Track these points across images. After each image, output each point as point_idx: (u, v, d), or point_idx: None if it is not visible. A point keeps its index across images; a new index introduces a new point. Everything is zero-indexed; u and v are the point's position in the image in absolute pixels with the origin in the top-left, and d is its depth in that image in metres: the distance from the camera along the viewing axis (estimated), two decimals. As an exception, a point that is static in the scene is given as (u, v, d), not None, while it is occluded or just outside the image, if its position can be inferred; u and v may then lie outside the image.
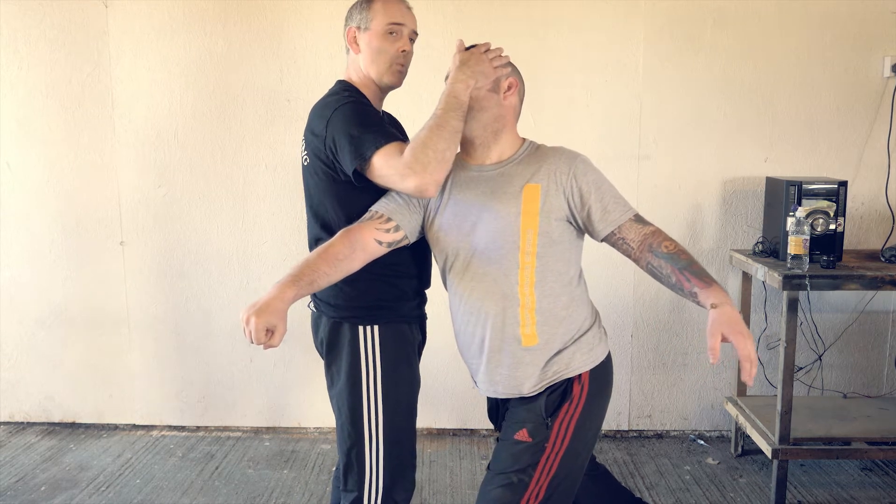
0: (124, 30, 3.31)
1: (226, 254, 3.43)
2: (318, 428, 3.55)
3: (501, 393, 1.87)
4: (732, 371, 3.37)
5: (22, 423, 3.61)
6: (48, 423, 3.60)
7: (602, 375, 1.87)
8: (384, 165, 1.78)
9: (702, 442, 3.44)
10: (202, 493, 2.97)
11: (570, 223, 1.82)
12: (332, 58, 3.27)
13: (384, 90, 2.01)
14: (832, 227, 2.92)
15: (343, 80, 2.01)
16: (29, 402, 3.60)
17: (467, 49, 1.87)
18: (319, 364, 3.45)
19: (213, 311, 3.47)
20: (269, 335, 1.69)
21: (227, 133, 3.36)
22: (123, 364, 3.53)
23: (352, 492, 1.95)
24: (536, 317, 1.80)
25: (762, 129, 3.30)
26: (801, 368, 3.33)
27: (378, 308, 1.94)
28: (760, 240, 3.15)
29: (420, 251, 1.98)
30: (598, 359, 1.85)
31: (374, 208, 1.86)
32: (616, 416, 3.48)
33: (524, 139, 1.93)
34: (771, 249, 3.06)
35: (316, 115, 1.92)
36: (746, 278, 3.24)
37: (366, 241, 1.81)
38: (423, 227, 1.91)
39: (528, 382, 1.82)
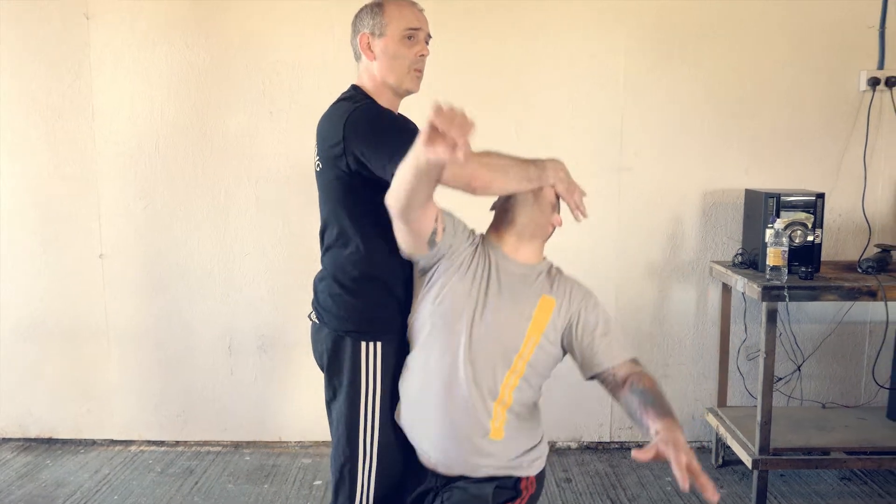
0: (105, 41, 3.30)
1: (207, 266, 3.41)
2: (299, 442, 3.53)
3: (452, 468, 1.85)
4: (713, 382, 3.39)
5: (-2, 438, 3.56)
6: (24, 439, 3.54)
7: (541, 482, 1.93)
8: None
9: (683, 453, 3.45)
10: (181, 508, 2.94)
11: (562, 347, 1.87)
12: (315, 69, 3.27)
13: (401, 95, 1.96)
14: (810, 238, 2.96)
15: (356, 86, 1.95)
16: (5, 418, 3.54)
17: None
18: (300, 377, 3.45)
19: (193, 324, 3.44)
20: None
21: (208, 145, 3.34)
22: (102, 378, 3.49)
23: None
24: (507, 416, 1.82)
25: (742, 142, 3.33)
26: (780, 379, 3.35)
27: (381, 322, 1.89)
28: (740, 251, 3.17)
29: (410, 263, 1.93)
30: (542, 465, 1.92)
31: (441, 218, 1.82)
32: (598, 428, 3.49)
33: (545, 257, 1.97)
34: (750, 261, 3.09)
35: (331, 121, 1.86)
36: (726, 290, 3.27)
37: (429, 220, 1.77)
38: (429, 263, 1.86)
39: (482, 470, 1.83)
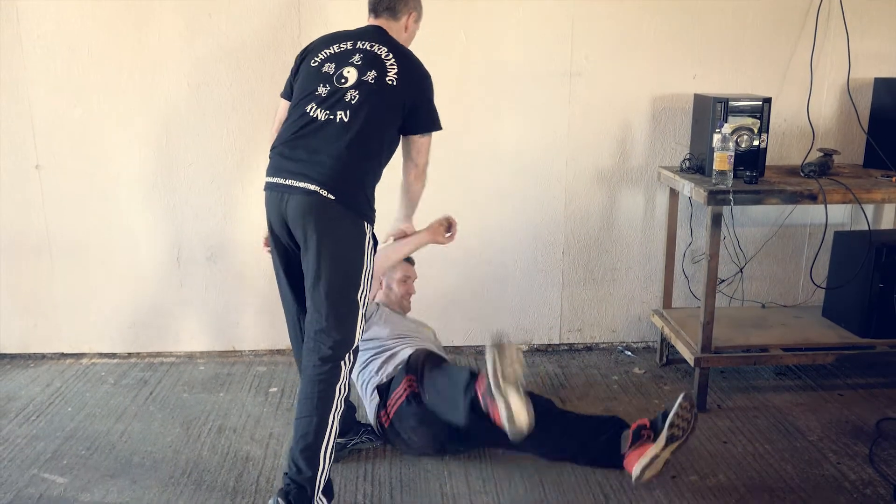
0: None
1: (150, 176, 3.31)
2: (252, 350, 3.54)
3: None
4: (659, 285, 3.49)
5: (-58, 354, 3.50)
6: (-30, 354, 3.49)
7: None
8: (428, 148, 2.45)
9: (629, 353, 3.58)
10: (137, 418, 2.96)
11: None
12: None
13: None
14: (756, 143, 2.99)
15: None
16: (-52, 334, 3.47)
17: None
18: (252, 287, 3.43)
19: (139, 236, 3.37)
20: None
21: (145, 50, 3.19)
22: (47, 292, 3.42)
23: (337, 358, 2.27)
24: None
25: (691, 46, 3.32)
26: (723, 281, 3.46)
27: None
28: (688, 156, 3.21)
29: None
30: None
31: None
32: (548, 331, 3.58)
33: None
34: (697, 166, 3.13)
35: (421, 72, 2.42)
36: (674, 194, 3.32)
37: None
38: None
39: None
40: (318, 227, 2.20)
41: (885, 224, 3.55)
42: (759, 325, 3.25)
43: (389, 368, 2.68)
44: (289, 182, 2.23)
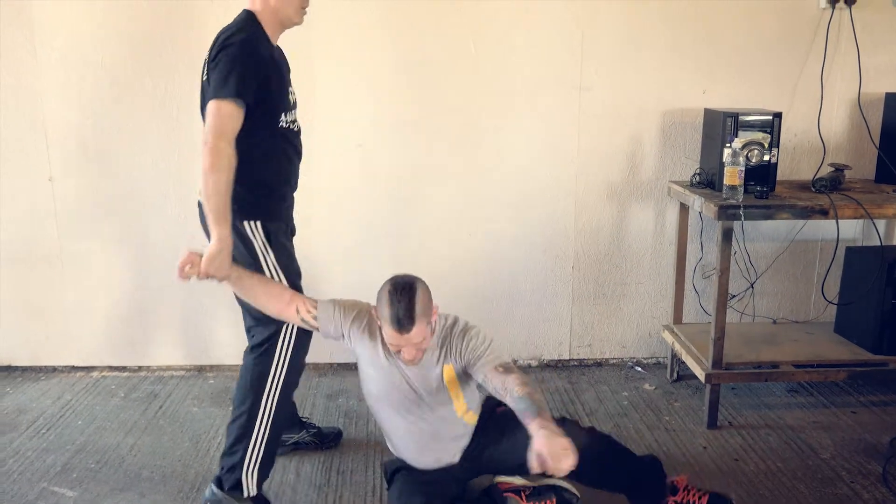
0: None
1: (162, 188, 3.33)
2: (262, 364, 3.54)
3: None
4: (670, 300, 3.47)
5: (-46, 367, 3.52)
6: (-18, 367, 3.51)
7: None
8: (217, 114, 2.10)
9: (639, 369, 3.56)
10: (147, 432, 2.96)
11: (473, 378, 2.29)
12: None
13: (286, 27, 2.31)
14: (766, 158, 2.98)
15: (248, 11, 2.24)
16: (-40, 346, 3.49)
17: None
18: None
19: (149, 248, 3.38)
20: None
21: (157, 60, 3.21)
22: (58, 304, 3.44)
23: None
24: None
25: (701, 61, 3.31)
26: (734, 296, 3.44)
27: None
28: (698, 171, 3.20)
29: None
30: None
31: (316, 302, 2.32)
32: (557, 346, 3.57)
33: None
34: (708, 181, 3.12)
35: (216, 41, 2.18)
36: (684, 209, 3.31)
37: (290, 312, 2.30)
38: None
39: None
40: (206, 234, 2.23)
41: (898, 239, 3.53)
42: (771, 342, 3.22)
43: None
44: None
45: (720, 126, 3.00)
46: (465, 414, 2.35)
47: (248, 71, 2.12)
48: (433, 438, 2.33)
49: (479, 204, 3.38)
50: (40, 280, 3.41)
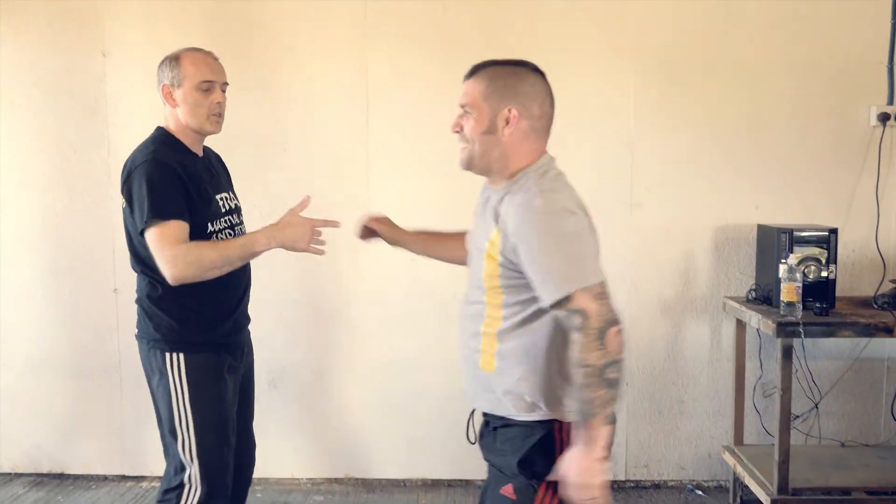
0: (121, 76, 3.35)
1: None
2: (310, 479, 3.49)
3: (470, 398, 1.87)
4: (730, 419, 3.35)
5: (9, 473, 3.55)
6: (36, 474, 3.53)
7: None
8: (158, 240, 2.05)
9: (699, 492, 3.40)
10: (191, 546, 2.91)
11: (518, 271, 1.70)
12: (326, 103, 3.33)
13: (203, 135, 2.27)
14: (824, 274, 2.94)
15: (161, 128, 2.25)
16: (17, 453, 3.54)
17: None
18: (312, 413, 3.43)
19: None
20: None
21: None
22: (114, 414, 3.48)
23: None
24: (494, 345, 1.74)
25: (753, 177, 3.33)
26: (797, 416, 3.31)
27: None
28: (753, 287, 3.16)
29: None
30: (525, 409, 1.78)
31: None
32: (612, 466, 3.44)
33: (540, 157, 1.83)
34: (764, 297, 3.07)
35: (125, 167, 2.16)
36: (740, 325, 3.25)
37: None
38: None
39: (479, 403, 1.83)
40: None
41: (970, 359, 3.38)
42: (840, 466, 3.06)
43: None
44: None
45: (775, 242, 2.98)
46: (488, 338, 1.74)
47: (160, 188, 2.08)
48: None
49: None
50: (99, 390, 3.48)
